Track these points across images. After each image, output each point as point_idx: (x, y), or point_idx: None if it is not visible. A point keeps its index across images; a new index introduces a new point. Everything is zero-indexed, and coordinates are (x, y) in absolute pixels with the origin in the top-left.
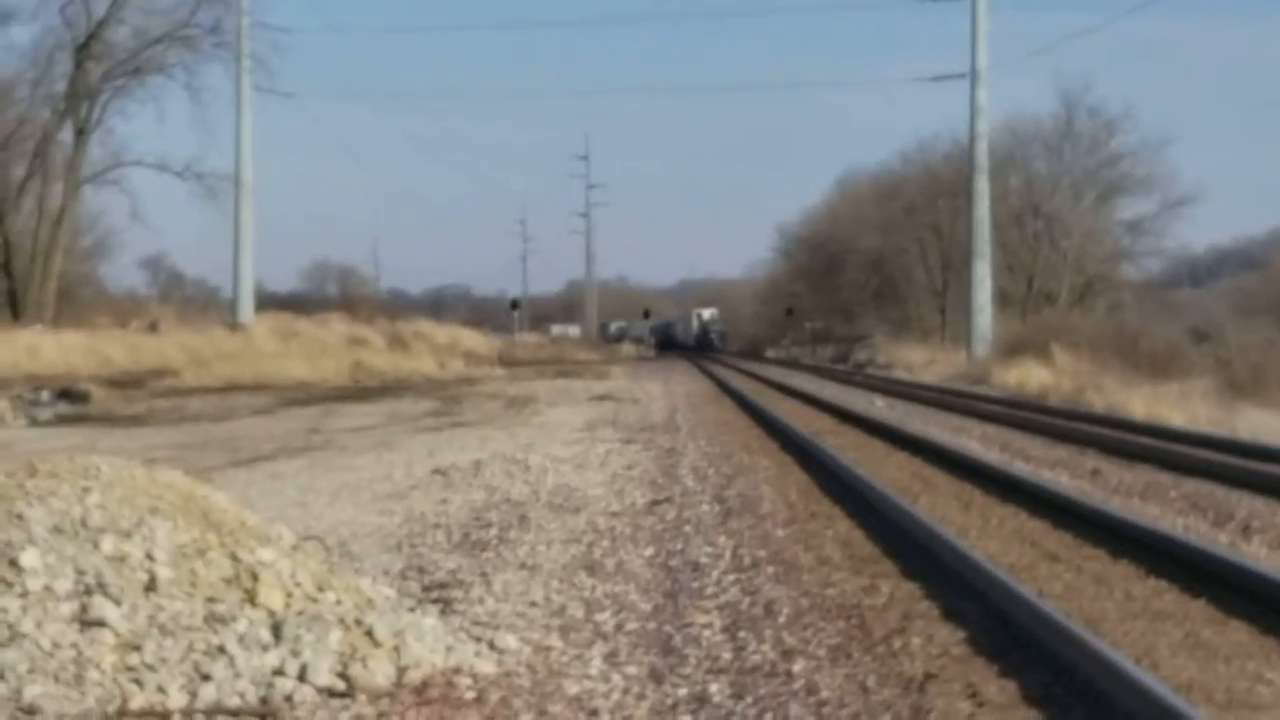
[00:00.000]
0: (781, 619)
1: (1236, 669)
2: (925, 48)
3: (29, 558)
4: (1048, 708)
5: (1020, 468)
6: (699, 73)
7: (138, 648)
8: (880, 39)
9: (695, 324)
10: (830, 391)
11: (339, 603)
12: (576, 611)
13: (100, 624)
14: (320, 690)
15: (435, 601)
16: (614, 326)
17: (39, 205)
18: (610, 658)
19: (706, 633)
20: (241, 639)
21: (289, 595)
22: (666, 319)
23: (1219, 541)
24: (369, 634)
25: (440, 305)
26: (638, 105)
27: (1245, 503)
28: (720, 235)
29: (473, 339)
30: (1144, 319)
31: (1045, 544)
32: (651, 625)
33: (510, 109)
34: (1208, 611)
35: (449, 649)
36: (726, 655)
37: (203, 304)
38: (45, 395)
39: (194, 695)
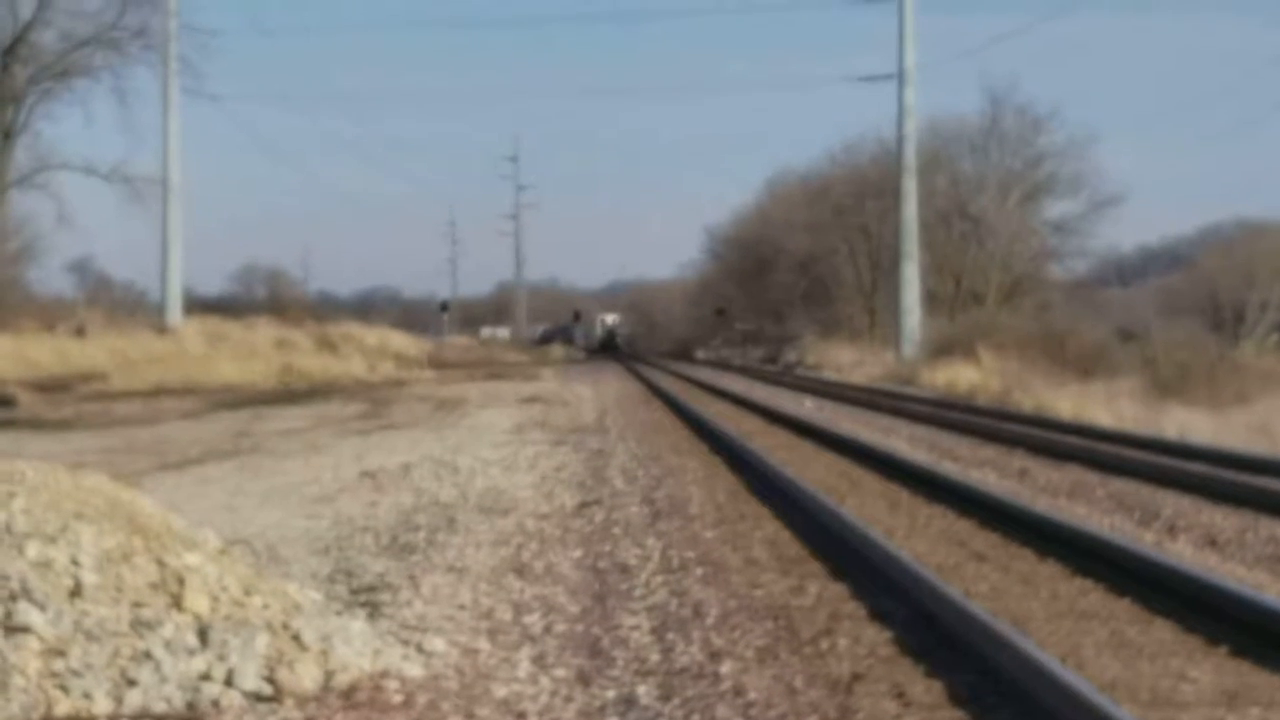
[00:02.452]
0: (709, 620)
1: (1161, 668)
2: (854, 49)
3: None
4: (974, 708)
5: (948, 468)
6: (628, 74)
7: (63, 653)
8: (809, 40)
9: (599, 328)
10: (760, 393)
11: (266, 607)
12: (505, 614)
13: (25, 630)
14: (247, 695)
15: (363, 605)
16: (493, 330)
17: None
18: (538, 660)
19: (635, 634)
20: (168, 644)
21: (215, 600)
22: (566, 324)
23: (1145, 540)
24: (296, 638)
25: (369, 307)
26: (567, 107)
27: (1171, 501)
28: (651, 237)
29: (402, 341)
30: (1071, 318)
31: (972, 544)
32: (580, 627)
33: (439, 110)
34: (1133, 610)
35: (377, 652)
36: (655, 657)
37: (131, 307)
38: None
39: (120, 701)
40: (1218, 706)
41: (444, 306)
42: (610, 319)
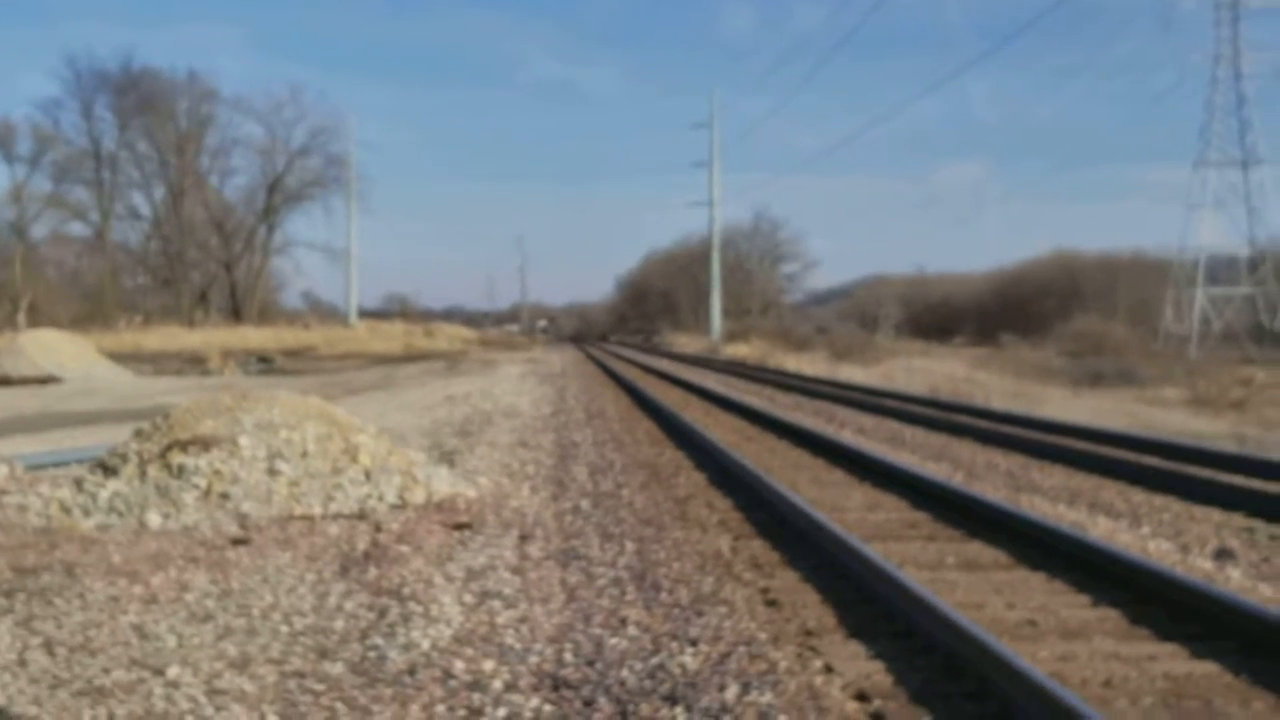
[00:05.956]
0: (617, 469)
1: (837, 492)
2: (692, 189)
3: (244, 440)
4: (747, 512)
5: (733, 394)
6: (579, 201)
7: (297, 484)
8: (674, 184)
9: (540, 326)
10: (641, 358)
11: (398, 461)
12: (515, 466)
13: (279, 473)
14: (389, 505)
15: (446, 461)
16: (511, 327)
17: (248, 265)
18: (533, 489)
19: (580, 476)
20: (350, 481)
21: (373, 458)
22: (533, 323)
23: (829, 430)
24: (413, 477)
25: (450, 315)
26: (553, 218)
27: (842, 412)
28: (589, 279)
29: (466, 332)
30: (794, 322)
31: (746, 433)
32: (553, 473)
33: (487, 213)
34: (823, 465)
35: (453, 485)
36: (589, 487)
37: (330, 314)
38: (252, 360)
39: (326, 509)
40: (864, 510)
41: (485, 315)
42: (543, 322)
